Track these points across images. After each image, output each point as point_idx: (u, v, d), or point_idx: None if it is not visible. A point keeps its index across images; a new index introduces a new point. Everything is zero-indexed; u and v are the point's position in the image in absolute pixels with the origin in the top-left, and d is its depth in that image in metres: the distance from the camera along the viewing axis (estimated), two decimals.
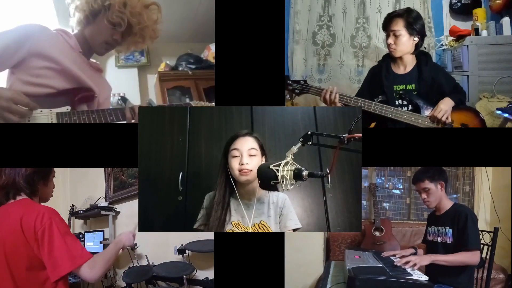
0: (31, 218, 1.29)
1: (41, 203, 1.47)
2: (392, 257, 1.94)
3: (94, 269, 1.32)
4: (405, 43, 1.95)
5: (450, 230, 1.84)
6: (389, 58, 2.06)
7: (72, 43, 1.83)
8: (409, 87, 2.00)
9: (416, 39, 1.96)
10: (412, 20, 1.94)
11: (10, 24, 1.78)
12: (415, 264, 1.71)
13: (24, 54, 1.68)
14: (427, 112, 1.95)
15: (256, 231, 1.41)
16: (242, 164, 1.37)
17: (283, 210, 1.43)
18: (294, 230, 1.42)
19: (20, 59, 1.68)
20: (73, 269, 1.28)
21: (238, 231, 1.41)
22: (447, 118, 1.91)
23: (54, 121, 1.67)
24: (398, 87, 2.01)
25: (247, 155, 1.39)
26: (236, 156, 1.40)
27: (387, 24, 1.97)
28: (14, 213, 1.33)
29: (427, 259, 1.78)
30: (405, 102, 2.00)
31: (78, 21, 1.85)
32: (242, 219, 1.42)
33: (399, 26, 1.93)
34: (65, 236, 1.31)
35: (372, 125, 2.07)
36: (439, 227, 1.91)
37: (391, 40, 1.95)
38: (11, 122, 1.55)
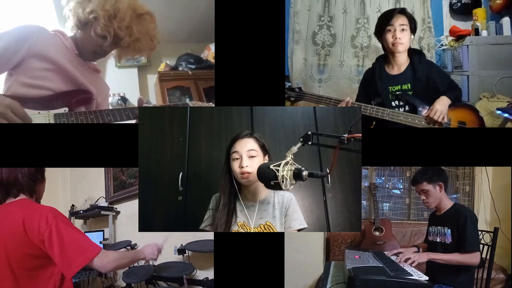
0: (35, 221, 1.28)
1: (38, 202, 1.47)
2: (392, 257, 1.94)
3: (104, 261, 1.31)
4: (408, 38, 1.96)
5: (449, 230, 1.85)
6: (382, 60, 2.06)
7: (68, 44, 1.82)
8: (405, 87, 1.99)
9: (412, 37, 1.99)
10: (411, 17, 1.97)
11: (9, 24, 1.78)
12: (413, 262, 1.75)
13: (23, 55, 1.68)
14: (424, 112, 1.94)
15: (261, 232, 1.41)
16: (242, 167, 1.38)
17: (288, 210, 1.43)
18: (299, 230, 1.42)
19: (19, 61, 1.68)
20: (87, 263, 1.27)
21: (244, 231, 1.41)
22: (443, 118, 1.91)
23: (52, 122, 1.67)
24: (394, 88, 2.00)
25: (246, 157, 1.39)
26: (236, 159, 1.40)
27: (389, 20, 1.95)
28: (15, 214, 1.32)
29: (425, 257, 1.81)
30: (401, 103, 2.00)
31: (72, 25, 1.83)
32: (247, 221, 1.42)
33: (405, 21, 1.94)
34: (73, 232, 1.30)
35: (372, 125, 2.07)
36: (439, 227, 1.92)
37: (399, 35, 1.93)
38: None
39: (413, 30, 1.97)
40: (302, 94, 2.05)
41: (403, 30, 1.93)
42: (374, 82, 2.03)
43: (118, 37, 1.79)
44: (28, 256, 1.28)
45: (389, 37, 1.96)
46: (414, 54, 2.02)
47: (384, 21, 1.98)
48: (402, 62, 2.01)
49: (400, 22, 1.94)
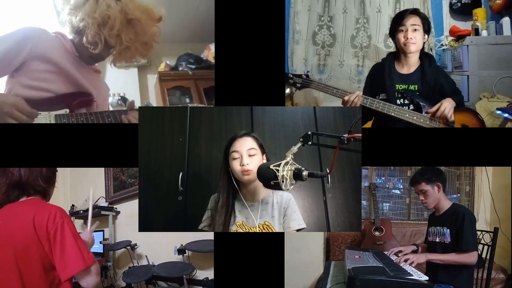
0: (44, 217, 1.30)
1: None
2: (392, 257, 1.94)
3: (99, 274, 1.34)
4: (421, 38, 1.97)
5: (448, 230, 1.85)
6: (393, 57, 2.06)
7: (68, 46, 1.82)
8: (412, 87, 2.00)
9: (426, 37, 1.99)
10: (424, 18, 1.98)
11: (11, 26, 1.78)
12: (412, 262, 1.76)
13: (24, 57, 1.68)
14: (428, 111, 1.95)
15: (260, 231, 1.41)
16: (242, 165, 1.38)
17: (287, 211, 1.43)
18: (298, 230, 1.42)
19: (21, 63, 1.68)
20: (83, 269, 1.28)
21: (243, 231, 1.41)
22: (451, 116, 1.91)
23: (52, 123, 1.68)
24: (401, 87, 2.01)
25: (246, 155, 1.40)
26: (236, 158, 1.41)
27: (402, 19, 1.96)
28: (26, 213, 1.33)
29: (423, 258, 1.83)
30: (406, 101, 2.00)
31: (68, 31, 1.83)
32: (246, 220, 1.43)
33: (418, 21, 1.95)
34: (76, 236, 1.32)
35: (369, 124, 2.06)
36: (438, 227, 1.92)
37: (411, 35, 1.94)
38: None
39: (426, 30, 1.97)
40: (308, 81, 2.01)
41: (415, 30, 1.94)
42: (382, 78, 2.03)
43: (109, 44, 1.78)
44: (37, 256, 1.29)
45: (401, 37, 1.97)
46: (425, 57, 2.03)
47: (397, 21, 1.99)
48: (413, 62, 2.02)
49: (412, 22, 1.95)
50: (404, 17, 1.96)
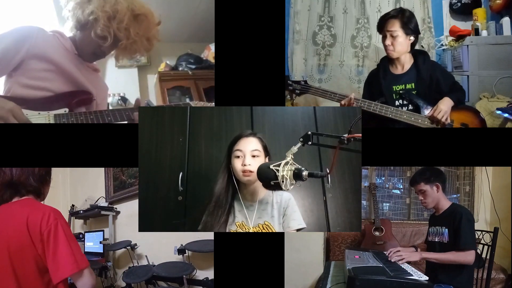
0: (37, 218, 1.29)
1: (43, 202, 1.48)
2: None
3: (93, 275, 1.33)
4: (402, 43, 1.96)
5: (446, 229, 1.85)
6: (386, 60, 2.07)
7: (67, 45, 1.82)
8: (408, 86, 2.00)
9: (412, 38, 1.98)
10: (407, 20, 1.95)
11: (9, 25, 1.78)
12: (403, 259, 1.79)
13: (22, 56, 1.68)
14: (427, 112, 1.95)
15: (260, 231, 1.41)
16: (244, 165, 1.38)
17: (287, 210, 1.43)
18: (298, 230, 1.42)
19: (19, 62, 1.68)
20: (75, 272, 1.27)
21: (242, 231, 1.41)
22: (446, 119, 1.91)
23: (52, 123, 1.68)
24: (397, 87, 2.01)
25: (249, 156, 1.39)
26: (238, 157, 1.40)
27: (383, 25, 1.98)
28: (20, 213, 1.32)
29: (417, 256, 1.83)
30: (405, 102, 2.00)
31: (71, 26, 1.84)
32: (246, 220, 1.42)
33: (396, 27, 1.94)
34: (70, 239, 1.31)
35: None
36: (437, 227, 1.92)
37: (388, 42, 1.96)
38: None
39: (412, 31, 1.96)
40: (307, 87, 2.04)
41: (394, 36, 1.94)
42: (378, 82, 2.04)
43: (117, 38, 1.79)
44: (31, 257, 1.28)
45: (384, 42, 1.98)
46: (418, 54, 2.03)
47: (378, 27, 2.02)
48: (406, 61, 2.02)
49: (389, 27, 1.94)
50: (383, 23, 1.97)
